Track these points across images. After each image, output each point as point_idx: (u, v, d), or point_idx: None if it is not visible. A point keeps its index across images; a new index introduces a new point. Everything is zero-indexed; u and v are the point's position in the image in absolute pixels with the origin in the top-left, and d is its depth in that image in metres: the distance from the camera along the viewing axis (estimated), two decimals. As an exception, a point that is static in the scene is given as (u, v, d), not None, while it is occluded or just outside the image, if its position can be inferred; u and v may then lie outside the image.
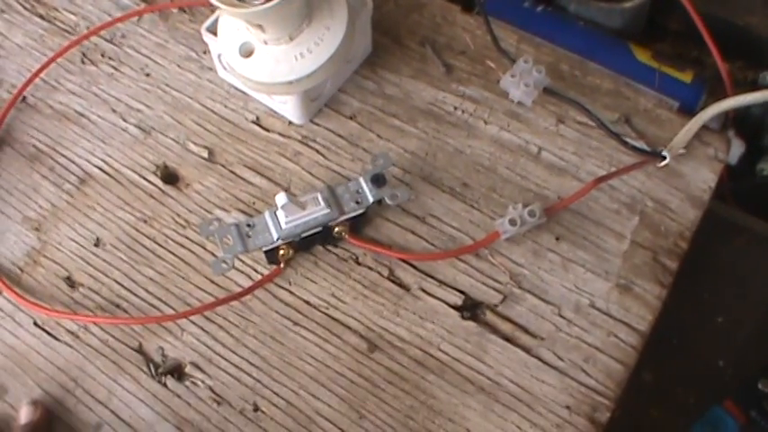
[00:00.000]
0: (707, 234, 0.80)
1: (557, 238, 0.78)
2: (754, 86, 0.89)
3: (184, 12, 0.93)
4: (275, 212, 0.75)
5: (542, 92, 0.83)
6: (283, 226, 0.74)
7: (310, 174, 0.83)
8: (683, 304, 0.79)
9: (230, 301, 0.77)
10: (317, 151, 0.84)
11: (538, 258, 0.77)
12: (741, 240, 0.92)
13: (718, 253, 0.90)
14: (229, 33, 0.78)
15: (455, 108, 0.85)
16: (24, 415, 0.74)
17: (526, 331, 0.75)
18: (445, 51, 0.88)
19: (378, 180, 0.76)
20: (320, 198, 0.74)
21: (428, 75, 0.87)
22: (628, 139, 0.81)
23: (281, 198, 0.72)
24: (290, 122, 0.86)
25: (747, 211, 0.96)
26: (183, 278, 0.79)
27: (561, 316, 0.75)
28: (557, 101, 0.84)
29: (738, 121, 0.89)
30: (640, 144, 0.81)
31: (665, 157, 0.79)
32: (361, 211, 0.76)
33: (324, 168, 0.83)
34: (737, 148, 0.82)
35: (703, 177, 0.80)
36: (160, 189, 0.84)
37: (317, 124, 0.85)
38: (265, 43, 0.76)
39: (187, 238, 0.81)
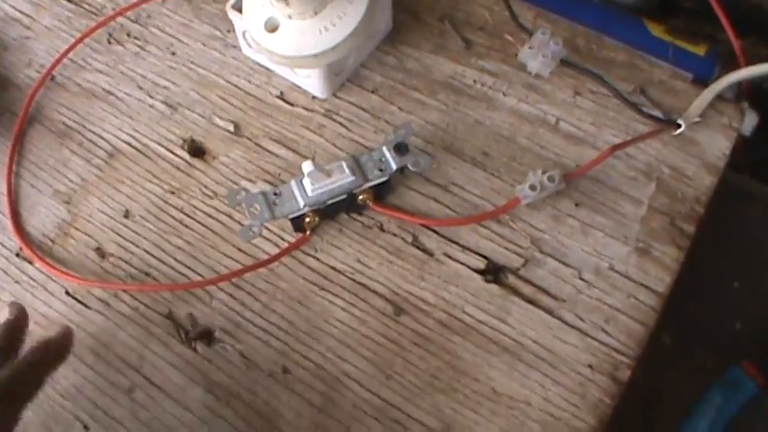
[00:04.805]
0: (722, 202, 0.81)
1: (576, 204, 0.79)
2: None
3: (208, -9, 0.96)
4: (301, 181, 0.76)
5: (559, 64, 0.85)
6: (309, 193, 0.75)
7: (334, 145, 0.84)
8: (701, 270, 0.80)
9: (258, 267, 0.78)
10: (341, 124, 0.85)
11: (558, 223, 0.79)
12: (756, 209, 0.94)
13: (733, 221, 0.92)
14: (254, 9, 0.80)
15: (474, 81, 0.86)
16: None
17: (548, 293, 0.76)
18: (464, 27, 0.89)
19: (400, 148, 0.77)
20: (345, 166, 0.76)
21: (447, 49, 0.88)
22: (644, 108, 0.82)
23: (307, 166, 0.74)
24: (314, 97, 0.87)
25: (762, 181, 0.97)
26: (212, 247, 0.81)
27: (582, 279, 0.76)
28: (573, 73, 0.85)
29: (752, 96, 0.90)
30: (656, 113, 0.82)
31: (680, 125, 0.80)
32: (384, 179, 0.77)
33: (347, 140, 0.85)
34: (751, 120, 0.84)
35: (718, 145, 0.81)
36: (187, 162, 0.85)
37: (340, 98, 0.87)
38: (290, 18, 0.77)
39: (214, 208, 0.83)
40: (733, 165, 0.83)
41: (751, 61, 0.86)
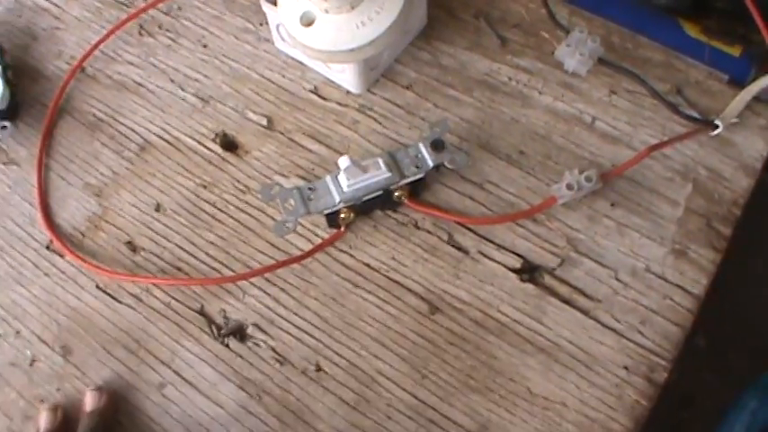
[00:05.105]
0: (759, 204, 0.81)
1: (612, 205, 0.79)
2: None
3: (241, -16, 0.95)
4: (336, 176, 0.76)
5: (596, 63, 0.84)
6: (345, 189, 0.75)
7: (368, 141, 0.84)
8: (736, 273, 0.79)
9: (291, 263, 0.78)
10: (375, 119, 0.85)
11: (594, 224, 0.78)
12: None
13: (768, 222, 0.91)
14: (289, 3, 0.79)
15: (509, 78, 0.86)
16: (89, 402, 0.75)
17: (583, 294, 0.75)
18: (499, 24, 0.89)
19: (437, 145, 0.77)
20: (381, 162, 0.75)
21: (483, 46, 0.88)
22: (681, 109, 0.82)
23: (344, 161, 0.73)
24: (348, 92, 0.87)
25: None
26: (244, 242, 0.81)
27: (618, 279, 0.76)
28: (609, 72, 0.84)
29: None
30: (693, 113, 0.82)
31: (717, 126, 0.80)
32: (420, 176, 0.77)
33: (381, 136, 0.84)
34: (787, 121, 0.83)
35: (755, 147, 0.81)
36: (219, 156, 0.85)
37: (375, 93, 0.86)
38: (326, 12, 0.77)
39: (247, 203, 0.82)
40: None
41: (786, 62, 0.85)
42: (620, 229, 0.78)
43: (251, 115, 0.87)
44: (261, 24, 0.91)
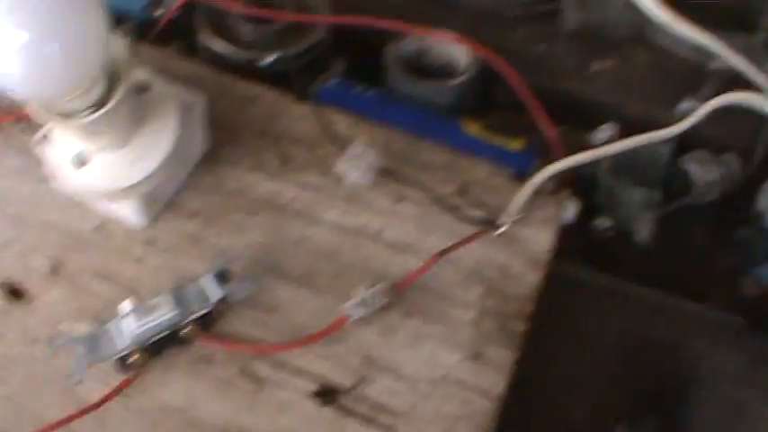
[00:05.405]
0: (553, 292, 0.82)
1: (406, 315, 0.79)
2: (585, 147, 0.91)
3: (18, 123, 0.92)
4: (122, 320, 0.74)
5: (378, 172, 0.85)
6: (131, 333, 0.73)
7: (156, 276, 0.82)
8: (535, 363, 0.80)
9: (83, 414, 0.75)
10: (161, 253, 0.83)
11: (389, 337, 0.78)
12: (585, 294, 0.94)
13: (565, 310, 0.91)
14: (62, 143, 0.78)
15: (294, 197, 0.86)
16: None
17: (384, 410, 0.75)
18: (281, 141, 0.89)
19: (222, 277, 0.76)
20: (166, 301, 0.74)
21: (266, 166, 0.88)
22: (465, 211, 0.83)
23: (126, 306, 0.72)
24: (132, 227, 0.85)
25: (590, 265, 0.98)
26: (36, 396, 0.78)
27: (417, 390, 0.76)
28: (393, 181, 0.85)
29: (573, 182, 0.92)
30: (478, 213, 0.83)
31: (500, 226, 0.81)
32: (207, 310, 0.76)
33: (169, 270, 0.82)
34: (572, 208, 0.85)
35: (542, 240, 0.82)
36: (4, 307, 0.82)
37: (159, 227, 0.85)
38: (98, 151, 0.76)
39: (37, 353, 0.79)
40: (559, 252, 0.83)
41: (572, 147, 0.87)
42: (415, 339, 0.78)
43: (35, 261, 0.84)
44: (39, 164, 0.89)
